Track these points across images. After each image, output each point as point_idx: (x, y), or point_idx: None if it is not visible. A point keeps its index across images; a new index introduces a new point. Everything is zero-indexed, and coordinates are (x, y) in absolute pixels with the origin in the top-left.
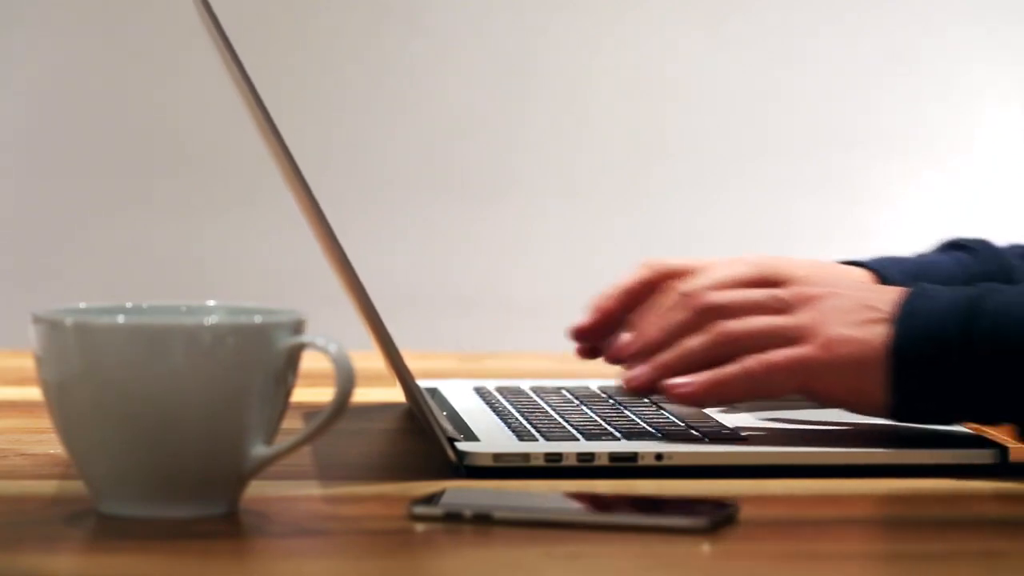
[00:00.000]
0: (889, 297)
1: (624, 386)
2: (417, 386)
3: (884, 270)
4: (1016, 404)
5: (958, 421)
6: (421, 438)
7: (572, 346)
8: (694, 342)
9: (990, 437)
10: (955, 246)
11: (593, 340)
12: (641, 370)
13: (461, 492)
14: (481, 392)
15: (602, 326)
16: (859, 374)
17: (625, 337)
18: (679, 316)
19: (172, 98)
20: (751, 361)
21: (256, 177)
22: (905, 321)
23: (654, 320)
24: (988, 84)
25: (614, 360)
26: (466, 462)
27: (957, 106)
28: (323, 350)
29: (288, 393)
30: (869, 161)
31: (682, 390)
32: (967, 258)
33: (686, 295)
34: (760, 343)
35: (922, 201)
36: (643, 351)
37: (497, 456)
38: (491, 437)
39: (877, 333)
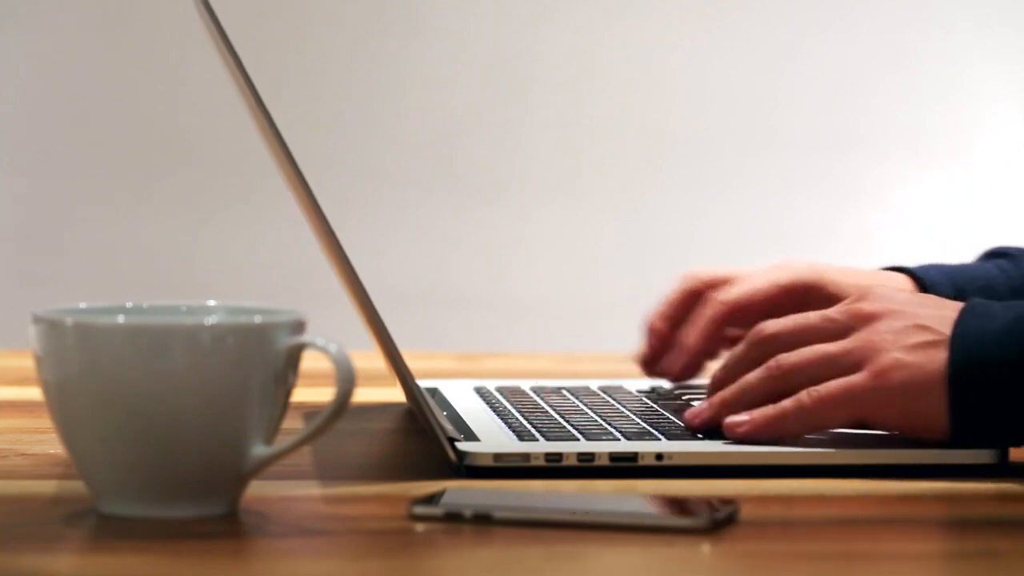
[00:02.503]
0: (945, 315)
1: (686, 423)
2: (417, 386)
3: (927, 277)
4: None
5: (1021, 443)
6: (421, 438)
7: (572, 346)
8: (752, 377)
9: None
10: (997, 254)
11: (656, 363)
12: (702, 407)
13: (461, 492)
14: (481, 392)
15: (660, 348)
16: (916, 400)
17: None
18: (738, 351)
19: (172, 98)
20: (804, 397)
21: (256, 177)
22: (962, 345)
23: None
24: (989, 84)
25: (675, 378)
26: (466, 462)
27: (958, 106)
28: (323, 350)
29: (288, 393)
30: (870, 161)
31: (740, 430)
32: (1008, 265)
33: (754, 337)
34: (815, 373)
35: (922, 201)
36: (709, 391)
37: (497, 456)
38: (491, 437)
39: (933, 358)
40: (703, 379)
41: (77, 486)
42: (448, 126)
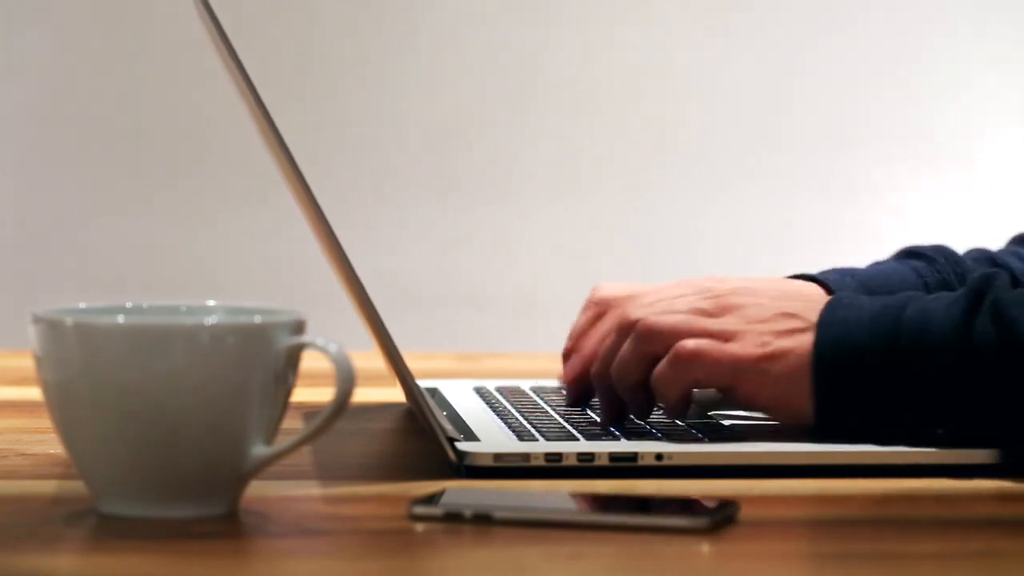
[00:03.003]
0: (811, 305)
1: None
2: (417, 386)
3: (836, 283)
4: (944, 410)
5: (886, 436)
6: (421, 438)
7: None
8: (624, 347)
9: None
10: (912, 254)
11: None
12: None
13: (461, 492)
14: (481, 392)
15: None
16: (784, 383)
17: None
18: (605, 326)
19: (171, 98)
20: (675, 348)
21: (256, 177)
22: (827, 331)
23: (589, 342)
24: (991, 87)
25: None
26: (466, 462)
27: (960, 108)
28: (323, 350)
29: (288, 393)
30: (872, 162)
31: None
32: (923, 266)
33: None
34: (682, 338)
35: (925, 202)
36: (581, 366)
37: (497, 456)
38: (491, 437)
39: (801, 342)
40: None
41: (77, 486)
42: (448, 126)
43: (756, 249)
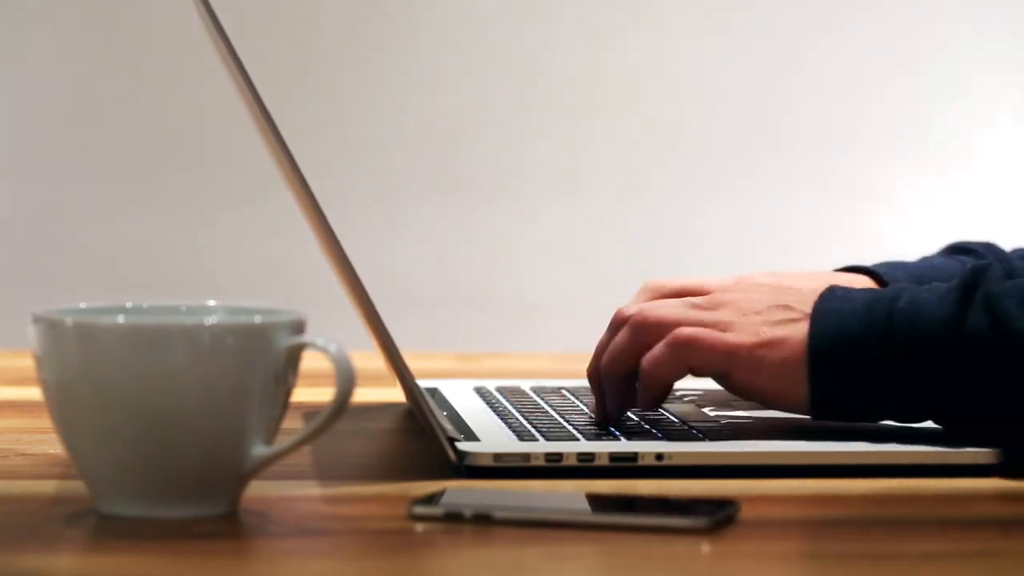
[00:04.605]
0: (805, 298)
1: (599, 421)
2: (417, 386)
3: (890, 276)
4: (936, 401)
5: (880, 419)
6: (421, 438)
7: (572, 346)
8: (617, 337)
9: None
10: (960, 249)
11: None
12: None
13: (461, 492)
14: (481, 392)
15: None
16: (781, 372)
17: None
18: (607, 335)
19: (171, 98)
20: (672, 333)
21: (256, 177)
22: (822, 320)
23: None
24: (991, 87)
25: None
26: (466, 462)
27: (960, 108)
28: (323, 350)
29: (288, 393)
30: (871, 162)
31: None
32: (971, 261)
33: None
34: (678, 326)
35: (925, 202)
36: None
37: (497, 456)
38: (491, 437)
39: (797, 331)
40: (705, 381)
41: (77, 486)
42: (448, 126)
43: (756, 249)
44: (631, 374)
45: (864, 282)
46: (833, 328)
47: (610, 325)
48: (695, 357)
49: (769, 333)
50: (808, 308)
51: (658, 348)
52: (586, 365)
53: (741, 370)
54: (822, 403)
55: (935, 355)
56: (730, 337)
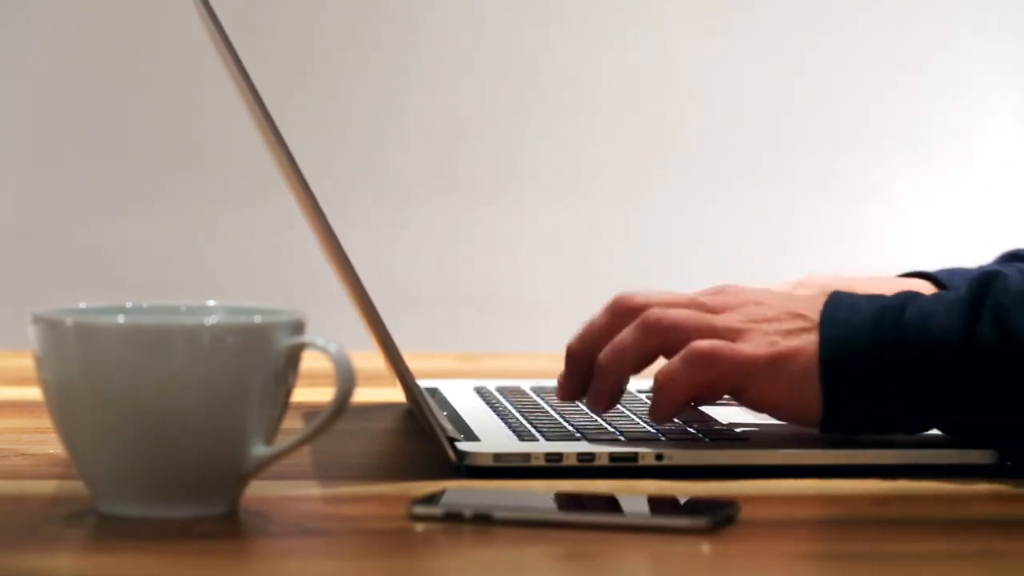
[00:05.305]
0: (813, 305)
1: (592, 407)
2: (417, 386)
3: (950, 283)
4: (945, 412)
5: (888, 431)
6: (421, 438)
7: None
8: (624, 332)
9: None
10: (1017, 257)
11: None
12: (592, 389)
13: (461, 492)
14: (481, 392)
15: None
16: (795, 383)
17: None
18: (599, 320)
19: (172, 98)
20: (689, 347)
21: (256, 177)
22: (830, 329)
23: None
24: (991, 86)
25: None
26: (466, 462)
27: (960, 108)
28: (323, 350)
29: (288, 393)
30: (871, 162)
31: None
32: None
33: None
34: (691, 335)
35: (925, 202)
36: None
37: (497, 456)
38: (491, 437)
39: (807, 341)
40: None
41: (77, 486)
42: (448, 126)
43: (756, 249)
44: (633, 372)
45: (924, 286)
46: (843, 340)
47: (609, 309)
48: (715, 372)
49: (784, 344)
50: (817, 316)
51: (675, 363)
52: None
53: (757, 385)
54: (835, 415)
55: (946, 368)
56: (746, 349)
